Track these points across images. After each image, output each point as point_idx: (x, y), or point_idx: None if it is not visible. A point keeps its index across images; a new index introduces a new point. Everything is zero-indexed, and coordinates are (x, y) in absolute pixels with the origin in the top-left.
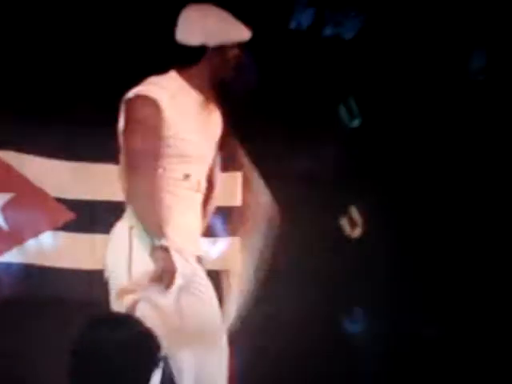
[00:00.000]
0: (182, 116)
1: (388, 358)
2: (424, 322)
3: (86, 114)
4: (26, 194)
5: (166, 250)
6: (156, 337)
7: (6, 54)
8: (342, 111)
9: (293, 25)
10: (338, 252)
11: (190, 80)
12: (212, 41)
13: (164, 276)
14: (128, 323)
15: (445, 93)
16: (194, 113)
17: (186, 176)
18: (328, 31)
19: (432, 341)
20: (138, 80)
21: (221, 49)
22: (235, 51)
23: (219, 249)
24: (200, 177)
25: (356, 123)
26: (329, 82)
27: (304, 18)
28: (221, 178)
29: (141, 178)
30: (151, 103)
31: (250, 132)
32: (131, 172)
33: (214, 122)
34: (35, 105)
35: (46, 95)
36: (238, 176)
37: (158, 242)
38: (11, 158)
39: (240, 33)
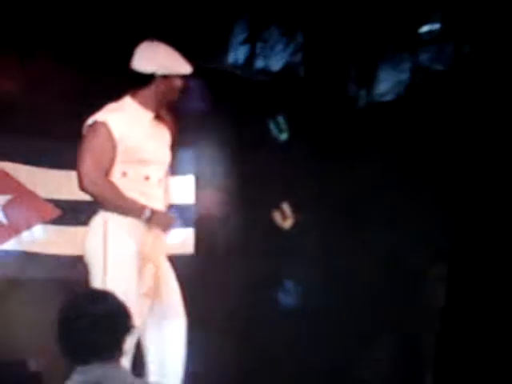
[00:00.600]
0: (137, 130)
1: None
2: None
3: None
4: (21, 195)
5: (154, 212)
6: (128, 308)
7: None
8: (273, 127)
9: (230, 60)
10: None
11: (142, 102)
12: (160, 71)
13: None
14: (105, 298)
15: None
16: (147, 127)
17: (146, 178)
18: (259, 64)
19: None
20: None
21: (167, 78)
22: (178, 81)
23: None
24: (159, 176)
25: (284, 136)
26: (261, 104)
27: (239, 54)
28: (177, 179)
29: (102, 189)
30: (104, 129)
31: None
32: (92, 188)
33: (165, 133)
34: (28, 126)
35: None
36: (191, 178)
37: (146, 215)
38: (9, 167)
39: (183, 67)
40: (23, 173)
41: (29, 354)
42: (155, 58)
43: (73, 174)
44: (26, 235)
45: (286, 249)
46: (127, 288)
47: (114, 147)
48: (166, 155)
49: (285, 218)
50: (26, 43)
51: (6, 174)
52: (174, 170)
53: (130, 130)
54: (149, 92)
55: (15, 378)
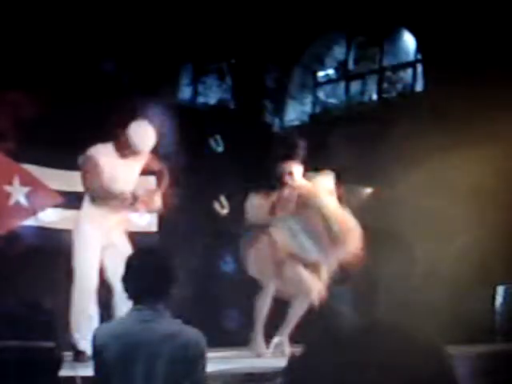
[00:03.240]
0: (112, 165)
1: None
2: None
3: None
4: (39, 188)
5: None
6: (175, 262)
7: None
8: (212, 143)
9: (179, 96)
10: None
11: (117, 149)
12: (132, 138)
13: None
14: (159, 252)
15: None
16: (118, 164)
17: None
18: (200, 99)
19: None
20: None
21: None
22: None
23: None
24: (129, 189)
25: (220, 149)
26: (203, 130)
27: (186, 92)
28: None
29: (94, 188)
30: (94, 161)
31: None
32: (91, 191)
33: (132, 167)
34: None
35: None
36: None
37: (119, 194)
38: (30, 168)
39: (141, 145)
40: (40, 171)
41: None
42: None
43: (70, 173)
44: (40, 215)
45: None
46: None
47: (100, 172)
48: (131, 179)
49: (222, 207)
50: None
51: (29, 173)
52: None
53: (108, 164)
54: (121, 144)
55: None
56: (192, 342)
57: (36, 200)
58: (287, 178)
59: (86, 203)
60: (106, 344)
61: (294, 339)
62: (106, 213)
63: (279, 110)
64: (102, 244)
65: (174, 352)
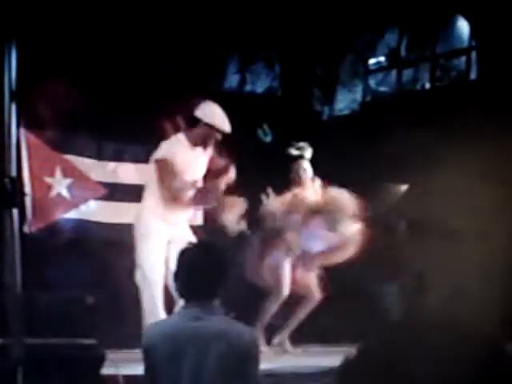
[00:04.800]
0: (185, 157)
1: None
2: None
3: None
4: (81, 179)
5: None
6: (228, 261)
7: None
8: (260, 133)
9: (226, 85)
10: None
11: (189, 139)
12: (205, 119)
13: None
14: (211, 251)
15: None
16: (190, 156)
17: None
18: (247, 88)
19: None
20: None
21: (207, 127)
22: (213, 133)
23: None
24: (196, 178)
25: (268, 138)
26: (250, 119)
27: (233, 81)
28: None
29: (174, 187)
30: (170, 162)
31: None
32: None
33: (201, 158)
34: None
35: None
36: None
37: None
38: (73, 160)
39: (223, 126)
40: (82, 163)
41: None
42: (205, 110)
43: (113, 165)
44: (82, 207)
45: None
46: None
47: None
48: (200, 170)
49: (269, 199)
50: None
51: (71, 164)
52: None
53: (180, 159)
54: (195, 133)
55: (74, 311)
56: (244, 339)
57: (78, 192)
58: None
59: (149, 196)
60: (155, 343)
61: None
62: (171, 205)
63: (329, 99)
64: (167, 238)
65: (225, 350)
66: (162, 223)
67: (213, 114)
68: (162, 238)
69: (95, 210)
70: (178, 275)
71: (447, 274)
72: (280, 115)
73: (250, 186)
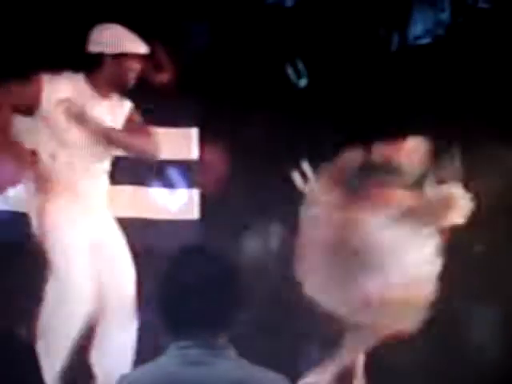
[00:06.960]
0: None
1: None
2: None
3: None
4: None
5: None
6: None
7: None
8: (290, 71)
9: None
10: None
11: (93, 84)
12: (108, 50)
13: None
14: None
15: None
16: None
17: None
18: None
19: None
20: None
21: (118, 59)
22: (131, 63)
23: (178, 200)
24: None
25: (303, 83)
26: (275, 45)
27: None
28: (175, 133)
29: None
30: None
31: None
32: None
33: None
34: None
35: None
36: (192, 131)
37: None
38: None
39: (136, 46)
40: None
41: None
42: (102, 38)
43: None
44: None
45: None
46: None
47: None
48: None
49: (306, 179)
50: None
51: None
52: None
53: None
54: (99, 75)
55: None
56: None
57: None
58: None
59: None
60: None
61: None
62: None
63: (400, 20)
64: (85, 244)
65: None
66: (73, 225)
67: (117, 37)
68: (76, 245)
69: None
70: (163, 299)
71: None
72: (320, 44)
73: (270, 162)
